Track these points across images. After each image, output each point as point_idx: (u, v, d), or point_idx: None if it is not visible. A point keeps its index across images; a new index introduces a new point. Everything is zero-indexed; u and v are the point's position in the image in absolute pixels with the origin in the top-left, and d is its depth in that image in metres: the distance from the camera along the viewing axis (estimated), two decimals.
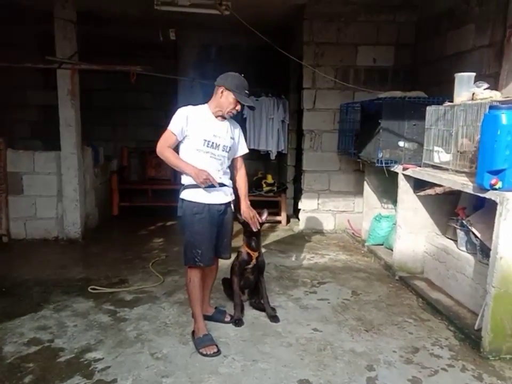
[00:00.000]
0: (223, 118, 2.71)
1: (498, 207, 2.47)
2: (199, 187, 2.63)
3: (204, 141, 2.64)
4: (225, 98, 2.65)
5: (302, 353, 2.63)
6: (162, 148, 2.66)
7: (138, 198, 6.66)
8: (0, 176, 4.61)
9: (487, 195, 2.55)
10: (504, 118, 2.35)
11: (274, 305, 3.23)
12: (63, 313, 3.10)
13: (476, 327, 2.81)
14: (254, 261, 3.07)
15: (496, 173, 2.44)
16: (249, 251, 3.06)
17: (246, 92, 2.69)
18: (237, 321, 2.95)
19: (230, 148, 2.76)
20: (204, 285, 2.83)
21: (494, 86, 3.47)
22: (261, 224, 3.01)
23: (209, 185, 2.63)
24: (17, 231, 4.76)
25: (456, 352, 2.69)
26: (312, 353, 2.64)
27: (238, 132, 2.85)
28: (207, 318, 2.87)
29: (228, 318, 2.98)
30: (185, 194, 2.67)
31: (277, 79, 6.38)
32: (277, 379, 2.37)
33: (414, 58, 5.17)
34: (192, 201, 2.65)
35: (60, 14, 4.41)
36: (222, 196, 2.74)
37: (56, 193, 4.80)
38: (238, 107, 2.69)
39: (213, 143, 2.66)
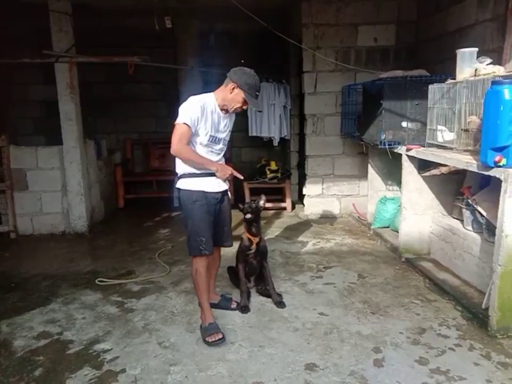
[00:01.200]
0: (227, 112, 2.65)
1: (503, 185, 2.42)
2: (196, 176, 2.61)
3: (210, 137, 2.60)
4: (234, 96, 2.56)
5: (309, 338, 2.64)
6: (182, 147, 2.51)
7: (143, 190, 6.69)
8: (4, 173, 4.64)
9: (491, 173, 2.50)
10: (506, 93, 2.29)
11: (280, 291, 3.23)
12: (72, 306, 3.14)
13: (483, 306, 2.79)
14: (254, 246, 3.09)
15: (500, 149, 2.39)
16: (250, 237, 3.08)
17: (257, 93, 2.61)
18: (243, 308, 2.96)
19: (228, 140, 2.77)
20: (209, 274, 2.83)
21: (498, 61, 3.38)
22: (258, 209, 3.04)
23: (208, 173, 2.62)
24: (24, 226, 4.81)
25: (463, 331, 2.68)
26: (318, 337, 2.64)
27: (233, 121, 2.82)
28: (213, 305, 2.88)
29: (234, 305, 3.00)
30: (182, 184, 2.64)
31: (278, 64, 6.30)
32: (284, 364, 2.38)
33: (416, 36, 5.07)
34: (191, 190, 2.62)
35: (55, 6, 4.37)
36: (218, 185, 2.71)
37: (60, 187, 4.83)
38: (245, 106, 2.63)
39: (215, 137, 2.63)
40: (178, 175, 2.67)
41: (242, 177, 2.75)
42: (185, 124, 2.48)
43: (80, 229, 4.87)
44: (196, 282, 2.71)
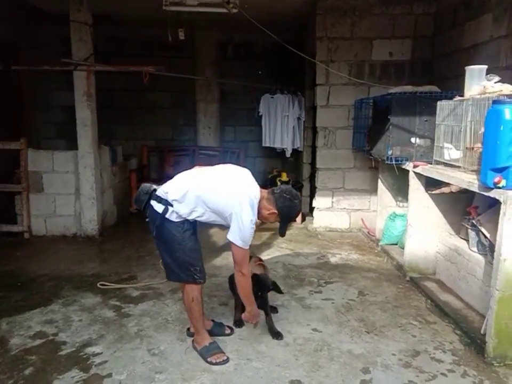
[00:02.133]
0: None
1: (502, 207, 2.35)
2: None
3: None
4: (269, 216, 2.51)
5: (298, 354, 2.61)
6: (249, 275, 2.52)
7: None
8: (21, 175, 4.82)
9: (491, 194, 2.43)
10: (507, 112, 2.23)
11: (276, 304, 3.21)
12: (71, 307, 3.21)
13: (482, 331, 2.69)
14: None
15: (499, 170, 2.32)
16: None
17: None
18: (237, 322, 2.92)
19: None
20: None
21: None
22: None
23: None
24: (38, 227, 4.96)
25: (459, 357, 2.59)
26: (308, 353, 2.61)
27: None
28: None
29: (228, 331, 2.84)
30: (172, 217, 2.42)
31: (293, 76, 6.33)
32: (269, 379, 2.36)
33: (432, 51, 4.99)
34: (181, 220, 2.44)
35: (75, 17, 4.55)
36: None
37: (74, 191, 4.96)
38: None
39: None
40: (170, 199, 2.41)
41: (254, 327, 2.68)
42: (245, 248, 2.41)
43: (91, 232, 4.99)
44: (191, 310, 2.57)
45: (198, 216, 2.47)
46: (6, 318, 3.01)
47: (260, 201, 2.47)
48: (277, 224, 2.65)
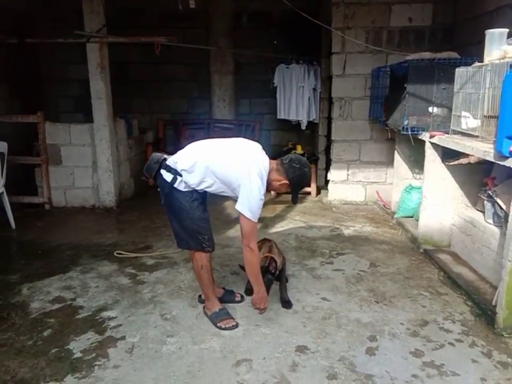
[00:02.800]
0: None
1: None
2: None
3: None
4: (280, 186, 2.50)
5: (306, 321, 2.65)
6: (256, 249, 2.44)
7: None
8: (40, 148, 4.93)
9: (506, 163, 2.35)
10: None
11: (287, 274, 3.23)
12: (88, 275, 3.32)
13: (493, 303, 2.66)
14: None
15: None
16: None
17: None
18: (248, 291, 2.92)
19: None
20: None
21: None
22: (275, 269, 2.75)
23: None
24: (58, 199, 5.10)
25: (468, 327, 2.58)
26: (316, 321, 2.65)
27: None
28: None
29: (238, 298, 2.89)
30: (180, 186, 2.44)
31: (310, 45, 6.16)
32: (276, 344, 2.41)
33: (454, 16, 4.76)
34: (190, 190, 2.46)
35: None
36: None
37: (91, 164, 5.06)
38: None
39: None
40: (179, 169, 2.43)
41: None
42: (254, 221, 2.38)
43: (109, 203, 5.10)
44: (200, 277, 2.62)
45: (207, 187, 2.48)
46: (27, 284, 3.15)
47: (269, 173, 2.45)
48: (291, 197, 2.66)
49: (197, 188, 2.48)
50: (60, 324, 2.62)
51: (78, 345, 2.41)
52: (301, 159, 2.54)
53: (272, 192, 2.79)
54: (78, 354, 2.33)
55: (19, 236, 4.25)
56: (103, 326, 2.61)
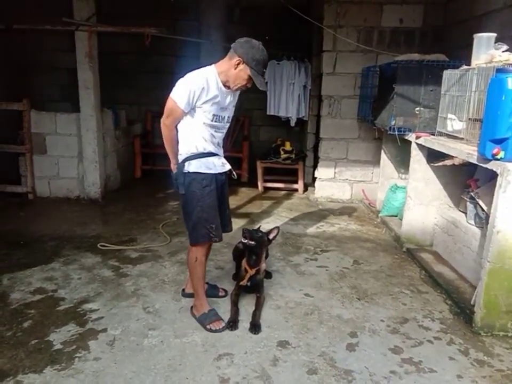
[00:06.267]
0: (229, 88, 2.40)
1: (498, 179, 2.32)
2: (204, 156, 2.42)
3: (213, 116, 2.39)
4: (238, 72, 2.32)
5: (288, 316, 2.67)
6: (170, 128, 2.38)
7: (161, 162, 6.79)
8: (25, 136, 4.84)
9: (489, 165, 2.40)
10: (509, 82, 2.17)
11: (271, 270, 3.27)
12: (71, 266, 3.29)
13: (472, 302, 2.72)
14: (246, 280, 2.74)
15: (499, 142, 2.28)
16: (246, 267, 2.77)
17: (264, 70, 2.38)
18: (231, 324, 2.53)
19: (232, 117, 2.57)
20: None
21: None
22: (262, 240, 2.78)
23: (212, 153, 2.47)
24: (42, 189, 5.03)
25: (447, 325, 2.63)
26: (298, 316, 2.67)
27: (237, 97, 2.60)
28: None
29: (222, 293, 2.89)
30: (190, 167, 2.42)
31: (301, 41, 6.16)
32: (258, 338, 2.43)
33: (445, 18, 4.81)
34: (201, 173, 2.42)
35: None
36: (224, 164, 2.55)
37: (77, 154, 4.99)
38: (249, 84, 2.38)
39: (219, 116, 2.43)
40: (184, 156, 2.42)
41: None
42: (178, 104, 2.30)
43: (94, 195, 5.04)
44: (194, 271, 2.57)
45: (194, 140, 2.40)
46: (7, 274, 3.10)
47: (222, 73, 2.36)
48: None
49: (197, 145, 2.40)
50: (41, 315, 2.59)
51: (58, 337, 2.39)
52: (245, 38, 2.39)
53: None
54: (58, 346, 2.31)
55: (0, 225, 4.17)
56: (85, 318, 2.59)
